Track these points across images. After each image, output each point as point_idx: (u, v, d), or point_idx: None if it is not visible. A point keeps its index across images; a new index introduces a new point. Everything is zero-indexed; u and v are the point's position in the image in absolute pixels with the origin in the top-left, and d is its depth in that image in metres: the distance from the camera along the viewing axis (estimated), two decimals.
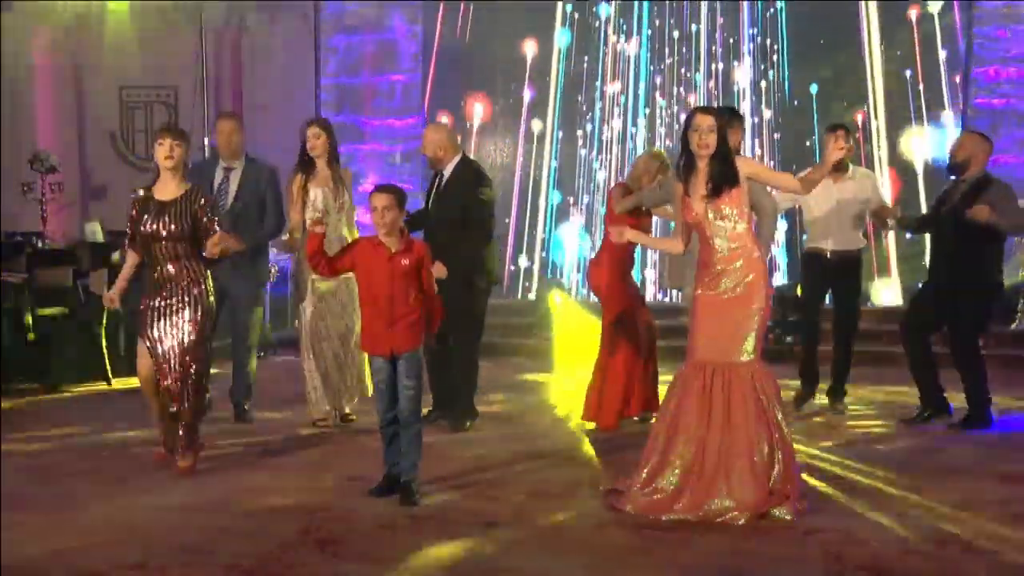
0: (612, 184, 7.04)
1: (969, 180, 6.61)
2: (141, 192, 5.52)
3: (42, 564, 4.13)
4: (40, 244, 9.67)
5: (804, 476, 5.26)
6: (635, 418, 6.68)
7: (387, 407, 5.01)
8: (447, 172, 6.66)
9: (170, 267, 5.42)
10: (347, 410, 6.74)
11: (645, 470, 4.85)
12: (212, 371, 6.72)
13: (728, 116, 6.58)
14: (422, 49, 11.89)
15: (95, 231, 10.44)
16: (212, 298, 5.51)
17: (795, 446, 6.07)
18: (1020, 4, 10.80)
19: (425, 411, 5.96)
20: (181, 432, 5.44)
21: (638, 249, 7.13)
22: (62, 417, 7.15)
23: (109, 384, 8.28)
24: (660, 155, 6.78)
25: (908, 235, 10.43)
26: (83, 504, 4.97)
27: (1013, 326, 10.19)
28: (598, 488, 5.16)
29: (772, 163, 11.55)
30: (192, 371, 5.42)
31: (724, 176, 4.82)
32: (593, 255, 7.39)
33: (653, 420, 6.52)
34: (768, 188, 5.89)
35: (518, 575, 4.03)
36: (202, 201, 5.46)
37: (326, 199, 6.53)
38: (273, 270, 10.44)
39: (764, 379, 4.84)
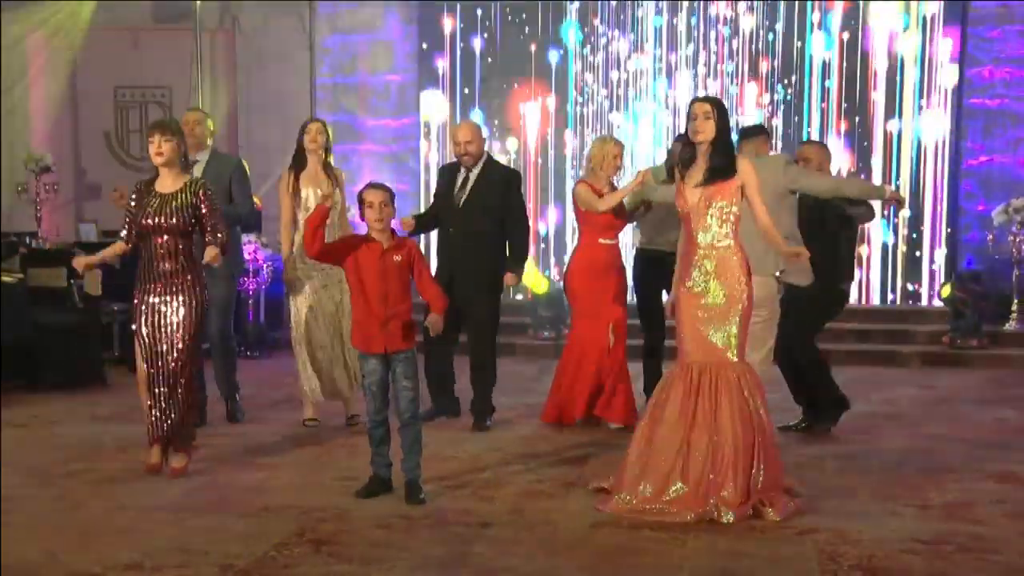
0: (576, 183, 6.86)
1: None
2: (142, 186, 5.49)
3: (37, 564, 4.13)
4: (34, 244, 9.65)
5: (798, 477, 5.27)
6: (578, 420, 6.68)
7: (378, 408, 5.01)
8: (476, 170, 6.70)
9: (167, 263, 5.39)
10: (353, 411, 6.71)
11: (628, 471, 4.88)
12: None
13: (749, 130, 6.68)
14: (417, 49, 11.89)
15: (90, 231, 10.44)
16: (204, 295, 5.48)
17: (789, 447, 6.12)
18: (1014, 4, 10.81)
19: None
20: (173, 432, 5.41)
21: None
22: (56, 417, 7.14)
23: (103, 384, 8.26)
24: (613, 138, 6.84)
25: None
26: (78, 504, 4.96)
27: (1006, 326, 10.21)
28: (589, 487, 5.17)
29: None
30: (186, 371, 5.39)
31: (721, 165, 4.87)
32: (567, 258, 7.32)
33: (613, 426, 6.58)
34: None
35: (513, 575, 4.03)
36: (202, 193, 5.45)
37: (316, 199, 6.56)
38: (267, 268, 10.45)
39: (751, 381, 4.86)
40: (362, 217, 5.03)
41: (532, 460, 5.86)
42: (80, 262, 5.69)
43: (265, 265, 10.46)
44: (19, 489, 5.19)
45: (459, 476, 5.45)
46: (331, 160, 6.78)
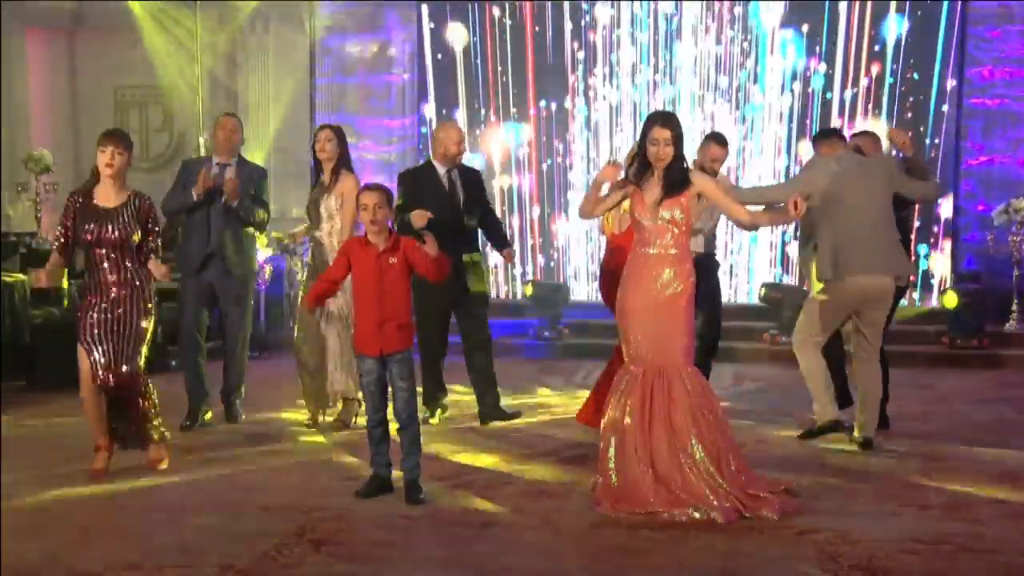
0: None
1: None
2: (79, 198, 5.40)
3: (37, 564, 4.13)
4: (34, 244, 9.66)
5: (798, 477, 5.27)
6: None
7: (376, 408, 5.02)
8: (456, 171, 6.80)
9: (113, 274, 5.35)
10: (340, 416, 6.74)
11: (605, 476, 4.88)
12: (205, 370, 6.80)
13: (824, 133, 6.69)
14: (417, 49, 11.89)
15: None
16: (153, 303, 5.46)
17: (789, 447, 6.13)
18: (1014, 4, 10.81)
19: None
20: (133, 438, 5.45)
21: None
22: (56, 417, 7.14)
23: None
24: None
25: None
26: (78, 504, 4.96)
27: (1006, 326, 10.21)
28: (588, 486, 5.16)
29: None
30: (141, 380, 5.38)
31: (677, 182, 4.93)
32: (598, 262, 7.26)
33: None
34: None
35: (513, 575, 4.03)
36: (147, 204, 5.43)
37: (328, 206, 6.57)
38: (268, 269, 10.45)
39: (696, 382, 4.91)
40: (360, 219, 5.04)
41: (532, 460, 5.86)
42: (37, 277, 5.53)
43: (266, 266, 10.45)
44: (19, 489, 5.19)
45: (459, 476, 5.45)
46: (346, 164, 6.65)
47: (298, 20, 11.73)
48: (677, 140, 4.93)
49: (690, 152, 5.55)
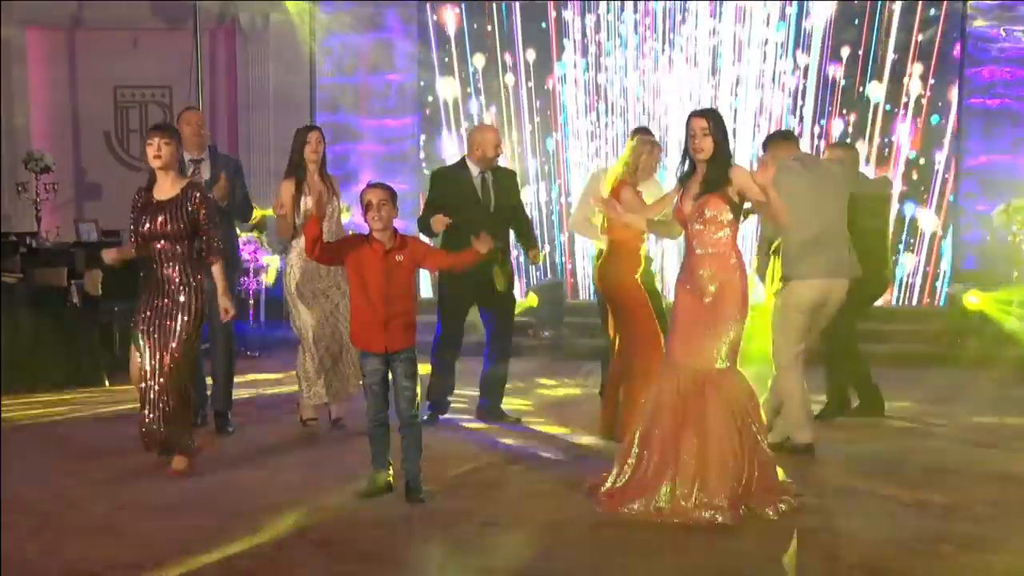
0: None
1: None
2: (141, 193, 5.45)
3: (38, 564, 4.13)
4: (34, 244, 9.65)
5: (798, 476, 5.27)
6: None
7: (378, 408, 5.01)
8: (489, 173, 6.75)
9: (167, 269, 5.37)
10: (334, 415, 6.66)
11: (620, 473, 4.87)
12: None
13: (776, 135, 6.64)
14: (418, 48, 11.88)
15: (90, 230, 10.43)
16: (202, 303, 5.44)
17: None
18: (1014, 4, 10.82)
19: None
20: (170, 436, 5.39)
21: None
22: (56, 417, 7.14)
23: (103, 384, 8.26)
24: (648, 140, 6.54)
25: None
26: (78, 504, 4.96)
27: (1007, 326, 10.19)
28: (586, 486, 5.15)
29: None
30: (180, 375, 5.37)
31: (715, 177, 4.89)
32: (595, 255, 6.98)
33: None
34: None
35: (513, 575, 4.03)
36: (198, 197, 5.41)
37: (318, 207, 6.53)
38: (272, 271, 10.43)
39: (738, 388, 4.86)
40: (365, 217, 5.02)
41: (532, 460, 5.86)
42: (107, 253, 5.59)
43: (270, 267, 10.43)
44: (19, 489, 5.19)
45: (459, 476, 5.45)
46: (324, 165, 6.65)
47: (298, 20, 11.72)
48: (717, 131, 4.87)
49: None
